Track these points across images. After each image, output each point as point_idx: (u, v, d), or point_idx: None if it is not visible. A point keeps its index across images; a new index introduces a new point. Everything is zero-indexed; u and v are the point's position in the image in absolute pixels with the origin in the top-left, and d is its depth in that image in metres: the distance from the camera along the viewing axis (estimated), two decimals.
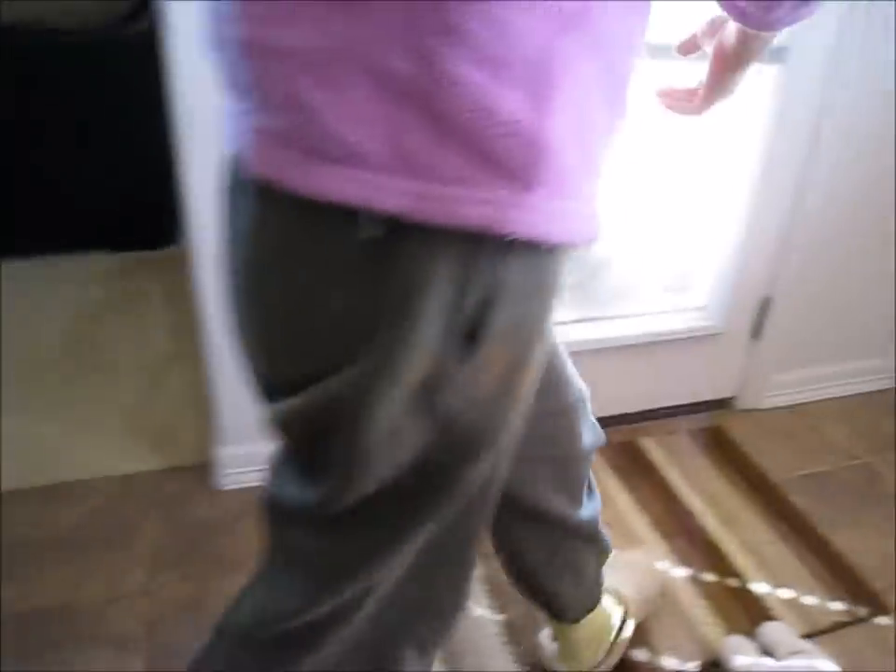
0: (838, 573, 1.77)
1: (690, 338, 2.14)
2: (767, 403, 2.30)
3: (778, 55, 1.78)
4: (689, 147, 1.92)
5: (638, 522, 1.89)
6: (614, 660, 1.45)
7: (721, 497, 1.95)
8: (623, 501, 1.95)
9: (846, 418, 2.31)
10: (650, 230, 2.07)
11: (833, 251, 2.06)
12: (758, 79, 1.83)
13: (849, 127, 1.86)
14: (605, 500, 1.41)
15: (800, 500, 1.98)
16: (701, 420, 2.26)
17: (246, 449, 1.78)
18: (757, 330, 2.20)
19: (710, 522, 1.86)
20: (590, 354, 1.93)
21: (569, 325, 2.06)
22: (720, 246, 2.08)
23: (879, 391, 2.43)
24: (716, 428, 2.24)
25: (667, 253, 2.14)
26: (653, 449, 2.13)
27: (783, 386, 2.29)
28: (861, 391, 2.40)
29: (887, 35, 1.79)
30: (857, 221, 2.02)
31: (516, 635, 1.57)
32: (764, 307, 2.16)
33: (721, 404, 2.28)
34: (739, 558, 1.79)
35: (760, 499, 1.97)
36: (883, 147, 1.94)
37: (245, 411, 1.67)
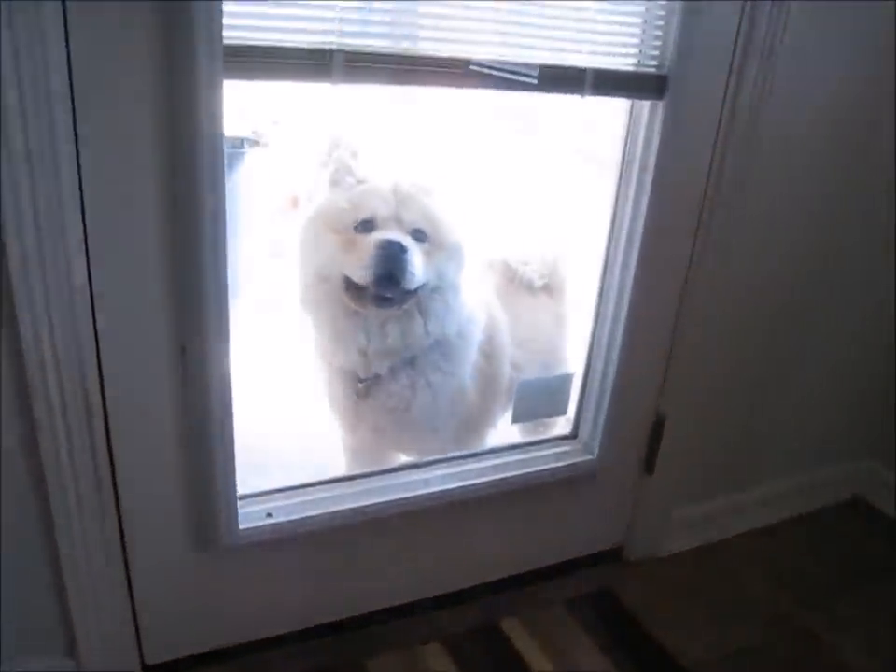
0: None
1: (563, 479, 1.64)
2: (665, 549, 1.85)
3: (654, 84, 1.33)
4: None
5: None
6: None
7: None
8: None
9: (762, 558, 1.89)
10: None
11: (732, 349, 1.70)
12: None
13: (752, 181, 1.50)
14: None
15: None
16: (582, 583, 1.75)
17: None
18: (650, 461, 1.68)
19: None
20: (428, 508, 1.50)
21: (394, 473, 1.52)
22: (590, 353, 1.62)
23: (796, 517, 2.03)
24: (602, 593, 1.74)
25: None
26: (518, 633, 1.60)
27: (682, 526, 1.85)
28: (775, 520, 2.00)
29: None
30: (760, 308, 1.71)
31: None
32: (656, 430, 1.69)
33: (607, 557, 1.82)
34: None
35: None
36: (792, 212, 1.61)
37: None
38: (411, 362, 1.59)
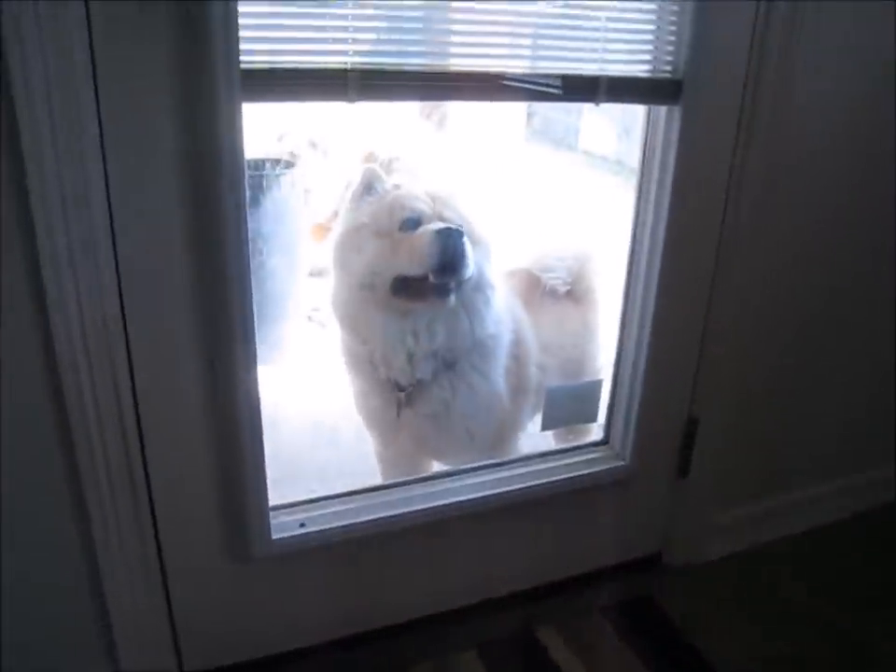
0: None
1: (595, 485, 1.63)
2: (704, 555, 1.82)
3: (669, 89, 1.33)
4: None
5: None
6: None
7: None
8: None
9: (803, 564, 1.84)
10: None
11: (765, 348, 1.67)
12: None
13: (773, 181, 1.48)
14: None
15: None
16: (619, 590, 1.73)
17: None
18: (683, 464, 1.65)
19: None
20: (462, 517, 1.51)
21: (429, 482, 1.54)
22: (618, 358, 1.62)
23: (836, 522, 1.96)
24: (640, 600, 1.72)
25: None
26: (555, 641, 1.58)
27: (721, 531, 1.81)
28: (815, 524, 1.94)
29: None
30: (792, 306, 1.68)
31: None
32: (689, 432, 1.65)
33: (645, 564, 1.80)
34: None
35: None
36: (820, 212, 1.58)
37: None
38: (451, 366, 1.59)
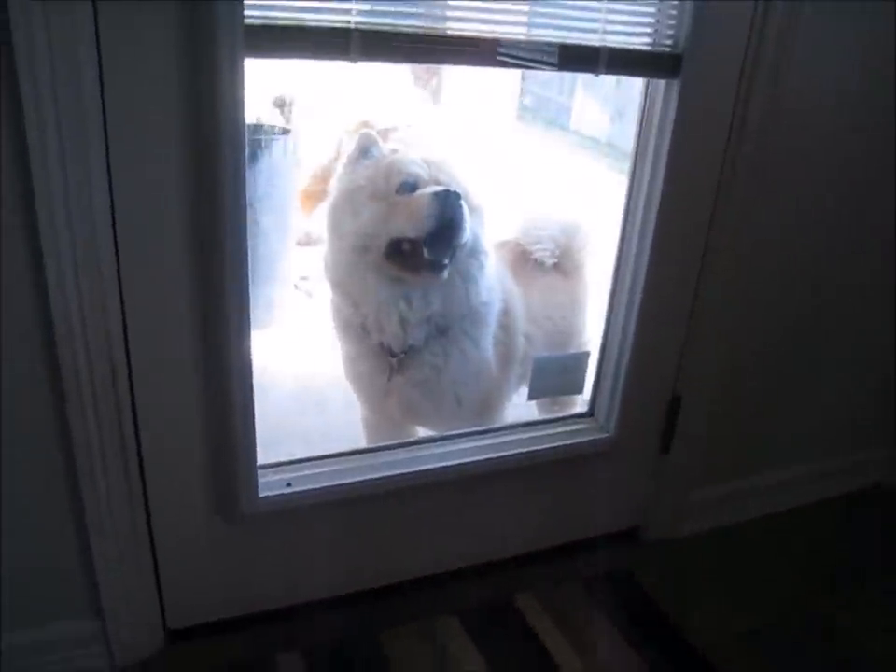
0: None
1: (578, 456, 1.65)
2: (682, 531, 1.84)
3: (669, 63, 1.34)
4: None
5: None
6: None
7: None
8: None
9: (781, 542, 1.87)
10: None
11: (752, 329, 1.69)
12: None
13: (767, 163, 1.48)
14: None
15: None
16: (598, 562, 1.75)
17: None
18: (665, 439, 1.67)
19: None
20: (445, 482, 1.53)
21: (414, 447, 1.54)
22: (606, 333, 1.62)
23: (816, 503, 1.99)
24: (618, 572, 1.74)
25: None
26: (533, 609, 1.60)
27: (700, 508, 1.84)
28: (795, 504, 1.97)
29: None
30: (780, 289, 1.69)
31: None
32: (672, 409, 1.67)
33: (624, 537, 1.82)
34: None
35: None
36: (814, 181, 1.59)
37: None
38: (444, 332, 1.60)
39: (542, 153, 3.96)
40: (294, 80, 3.01)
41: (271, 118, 2.92)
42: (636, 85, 1.46)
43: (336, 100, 3.04)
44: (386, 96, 3.10)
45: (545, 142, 4.46)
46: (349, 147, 1.60)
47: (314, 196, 3.03)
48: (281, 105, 2.97)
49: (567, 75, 3.89)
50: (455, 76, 3.65)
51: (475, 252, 1.56)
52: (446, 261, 1.49)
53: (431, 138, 2.99)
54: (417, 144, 2.65)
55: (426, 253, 1.46)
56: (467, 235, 1.49)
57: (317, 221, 2.99)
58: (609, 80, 3.57)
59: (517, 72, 3.69)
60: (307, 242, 3.00)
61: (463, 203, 1.46)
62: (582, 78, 4.22)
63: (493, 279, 1.62)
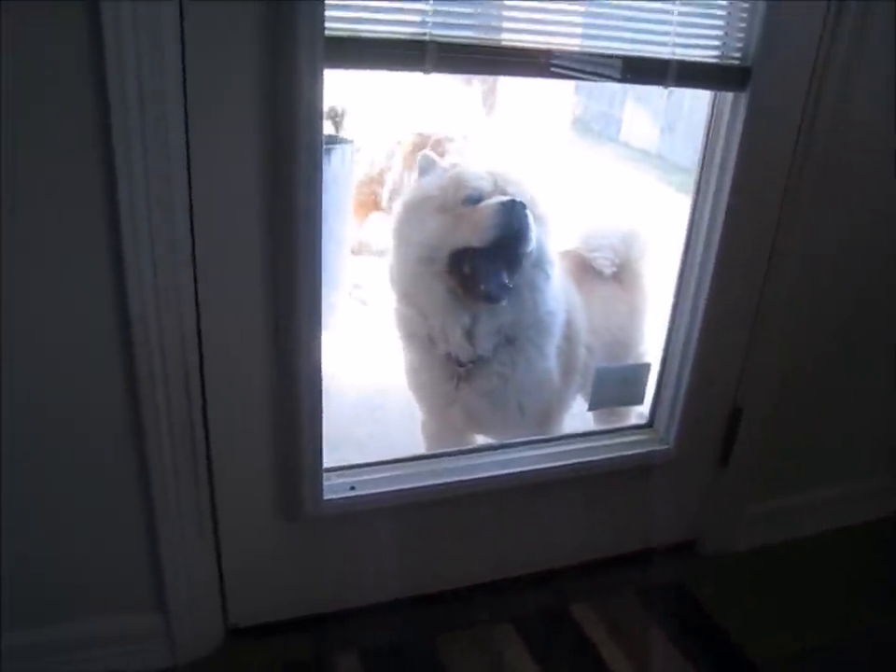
0: None
1: (636, 467, 1.65)
2: (738, 545, 1.82)
3: (737, 76, 1.34)
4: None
5: None
6: None
7: None
8: None
9: (837, 559, 1.84)
10: None
11: (815, 343, 1.67)
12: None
13: (835, 164, 1.47)
14: None
15: None
16: (654, 574, 1.74)
17: None
18: (725, 453, 1.66)
19: None
20: (505, 490, 1.54)
21: (475, 454, 1.56)
22: (668, 342, 1.63)
23: (873, 520, 1.96)
24: (674, 584, 1.73)
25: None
26: (589, 619, 1.60)
27: (757, 522, 1.82)
28: (852, 521, 1.93)
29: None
30: (845, 302, 1.67)
31: None
32: (733, 422, 1.66)
33: (681, 550, 1.81)
34: None
35: None
36: (875, 206, 1.58)
37: None
38: (511, 341, 1.61)
39: (594, 164, 3.97)
40: (345, 91, 3.05)
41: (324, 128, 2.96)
42: (686, 97, 1.46)
43: (387, 110, 3.08)
44: (439, 107, 3.13)
45: (595, 153, 4.46)
46: (401, 157, 1.63)
47: (365, 205, 3.07)
48: (333, 115, 3.01)
49: (619, 86, 3.88)
50: (508, 85, 3.67)
51: (541, 262, 1.57)
52: (503, 295, 1.50)
53: (489, 149, 3.01)
54: (476, 155, 2.67)
55: (481, 285, 1.48)
56: (532, 245, 1.50)
57: (370, 231, 3.04)
58: (660, 93, 3.56)
59: (570, 84, 3.69)
60: (359, 250, 3.03)
61: (528, 212, 1.47)
62: (633, 90, 4.21)
63: (558, 289, 1.63)
